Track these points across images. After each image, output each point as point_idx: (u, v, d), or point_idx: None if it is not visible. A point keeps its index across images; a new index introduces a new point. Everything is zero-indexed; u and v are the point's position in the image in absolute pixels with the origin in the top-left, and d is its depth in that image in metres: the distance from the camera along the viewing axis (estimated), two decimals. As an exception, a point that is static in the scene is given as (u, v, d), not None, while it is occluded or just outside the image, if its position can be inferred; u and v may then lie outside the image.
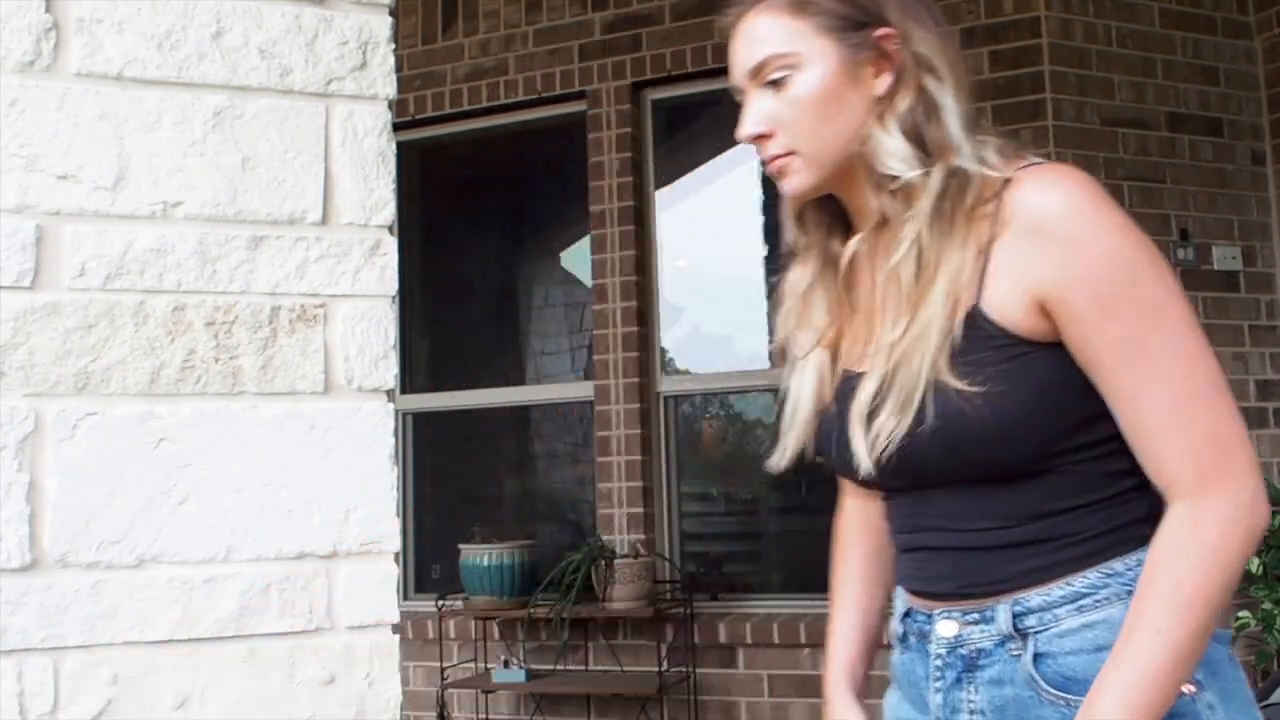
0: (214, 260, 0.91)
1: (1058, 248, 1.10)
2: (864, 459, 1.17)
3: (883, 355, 1.17)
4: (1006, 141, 1.19)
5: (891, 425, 1.15)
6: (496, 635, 4.50)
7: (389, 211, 0.96)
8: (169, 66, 0.91)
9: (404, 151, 4.74)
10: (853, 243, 1.23)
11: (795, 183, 1.22)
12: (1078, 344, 1.11)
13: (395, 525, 0.94)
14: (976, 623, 1.19)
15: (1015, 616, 1.16)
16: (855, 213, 1.26)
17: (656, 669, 4.13)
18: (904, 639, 1.30)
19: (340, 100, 0.96)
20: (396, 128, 1.00)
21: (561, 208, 5.05)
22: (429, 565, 4.90)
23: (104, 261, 0.88)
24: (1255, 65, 4.21)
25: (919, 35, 1.19)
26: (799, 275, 1.31)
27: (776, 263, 1.38)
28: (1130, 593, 1.12)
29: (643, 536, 4.31)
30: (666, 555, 4.37)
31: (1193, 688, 1.10)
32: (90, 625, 0.85)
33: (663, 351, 4.57)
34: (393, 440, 0.95)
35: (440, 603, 4.33)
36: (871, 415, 1.17)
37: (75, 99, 0.88)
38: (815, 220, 1.30)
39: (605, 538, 4.30)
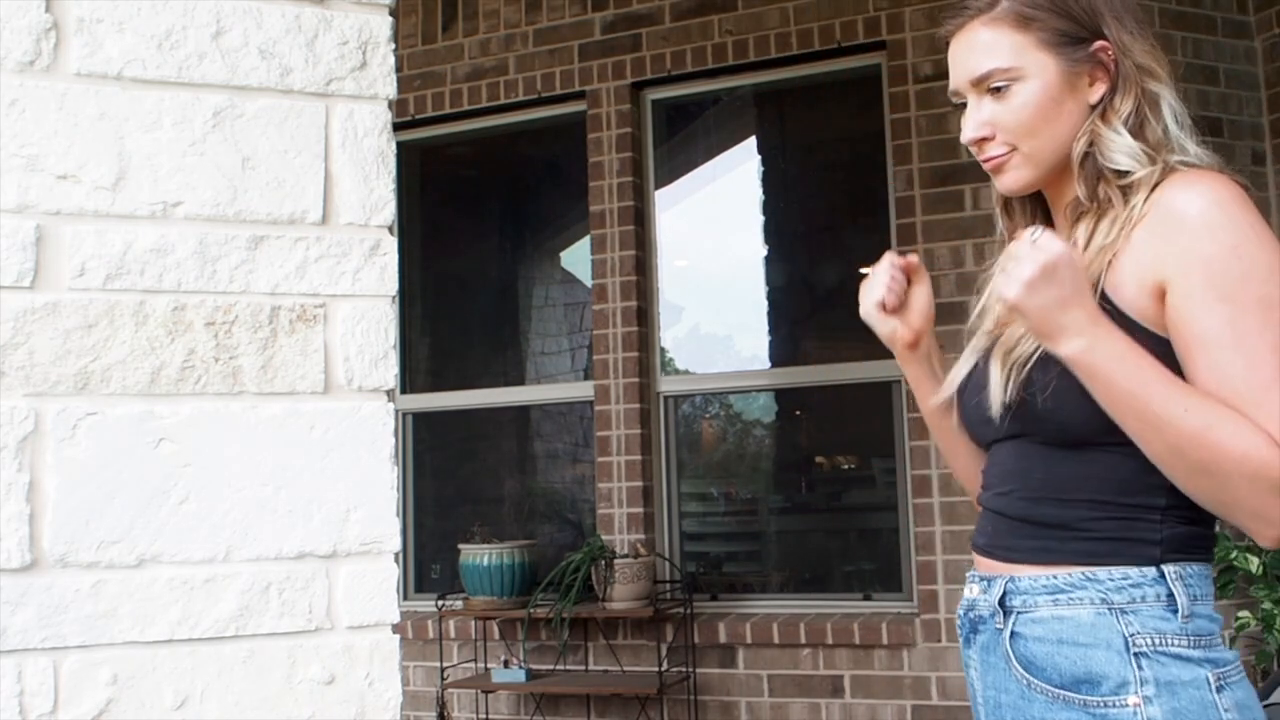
0: (214, 260, 0.91)
1: (1187, 236, 1.15)
2: (997, 397, 1.24)
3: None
4: (1202, 139, 1.27)
5: (1015, 370, 1.24)
6: (496, 635, 4.50)
7: (389, 211, 0.96)
8: (169, 66, 0.91)
9: (404, 151, 4.74)
10: (1076, 235, 1.28)
11: (1011, 179, 1.30)
12: (1183, 320, 1.14)
13: (395, 525, 0.94)
14: (985, 591, 1.28)
15: (1005, 594, 1.25)
16: (1056, 203, 1.34)
17: (656, 669, 4.13)
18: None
19: (340, 100, 0.96)
20: (396, 128, 1.00)
21: (561, 208, 5.05)
22: (429, 565, 4.90)
23: (104, 261, 0.88)
24: (1255, 65, 4.21)
25: (1135, 45, 1.26)
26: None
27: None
28: (1105, 601, 1.17)
29: (643, 536, 4.31)
30: (666, 555, 4.37)
31: (1137, 699, 1.13)
32: (90, 625, 0.85)
33: (663, 351, 4.57)
34: (393, 440, 0.95)
35: (440, 603, 4.33)
36: (1005, 358, 1.26)
37: (75, 99, 0.88)
38: (1021, 210, 1.40)
39: (605, 538, 4.30)
